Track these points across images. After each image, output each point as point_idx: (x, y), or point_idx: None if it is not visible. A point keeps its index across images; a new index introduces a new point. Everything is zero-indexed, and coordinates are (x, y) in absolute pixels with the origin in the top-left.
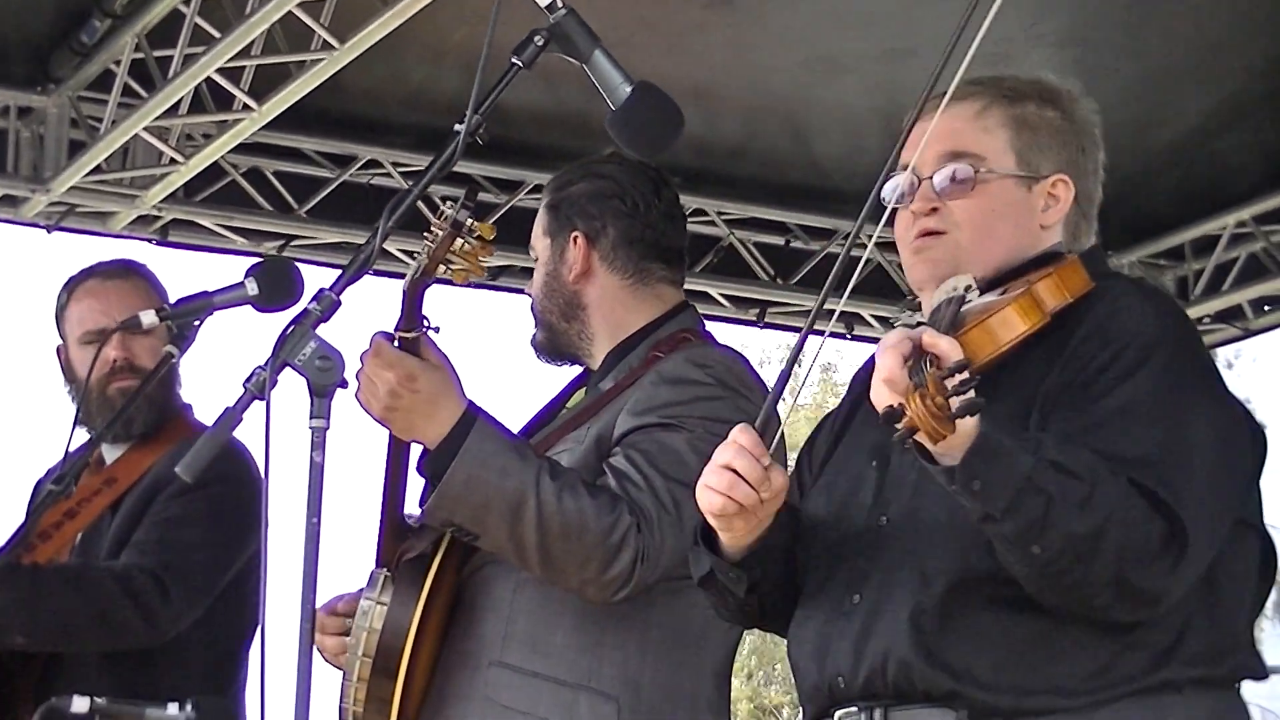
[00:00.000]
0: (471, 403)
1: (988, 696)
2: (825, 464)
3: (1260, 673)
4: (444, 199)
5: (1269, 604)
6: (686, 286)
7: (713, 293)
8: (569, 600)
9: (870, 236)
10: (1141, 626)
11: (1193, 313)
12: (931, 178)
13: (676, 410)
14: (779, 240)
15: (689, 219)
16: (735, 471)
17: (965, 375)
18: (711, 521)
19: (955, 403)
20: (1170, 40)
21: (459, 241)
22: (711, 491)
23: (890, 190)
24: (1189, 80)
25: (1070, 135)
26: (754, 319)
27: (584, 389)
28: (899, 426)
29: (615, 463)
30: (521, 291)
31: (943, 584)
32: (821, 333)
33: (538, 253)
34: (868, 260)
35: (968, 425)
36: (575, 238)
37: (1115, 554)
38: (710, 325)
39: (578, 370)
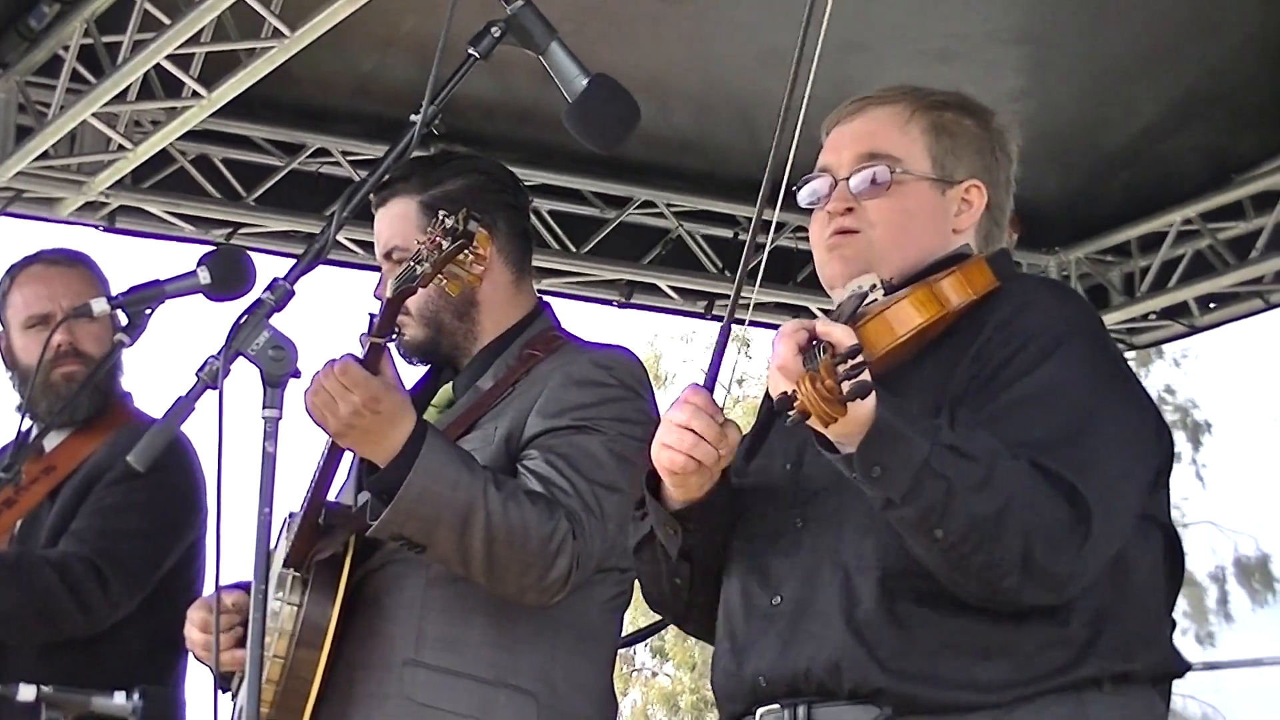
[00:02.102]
0: (420, 417)
1: (912, 692)
2: (747, 465)
3: (1179, 669)
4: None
5: (1219, 598)
6: (637, 278)
7: (661, 285)
8: (480, 598)
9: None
10: (1059, 622)
11: (1138, 309)
12: (849, 179)
13: (588, 413)
14: (727, 233)
15: (638, 210)
16: (694, 431)
17: (857, 360)
18: (667, 480)
19: (846, 386)
20: (1122, 40)
21: (463, 253)
22: (672, 450)
23: (808, 193)
24: (1141, 79)
25: (985, 144)
26: (702, 311)
27: (445, 385)
28: (791, 412)
29: (534, 467)
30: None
31: (864, 582)
32: (741, 322)
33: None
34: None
35: (862, 411)
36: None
37: (1019, 534)
38: (659, 317)
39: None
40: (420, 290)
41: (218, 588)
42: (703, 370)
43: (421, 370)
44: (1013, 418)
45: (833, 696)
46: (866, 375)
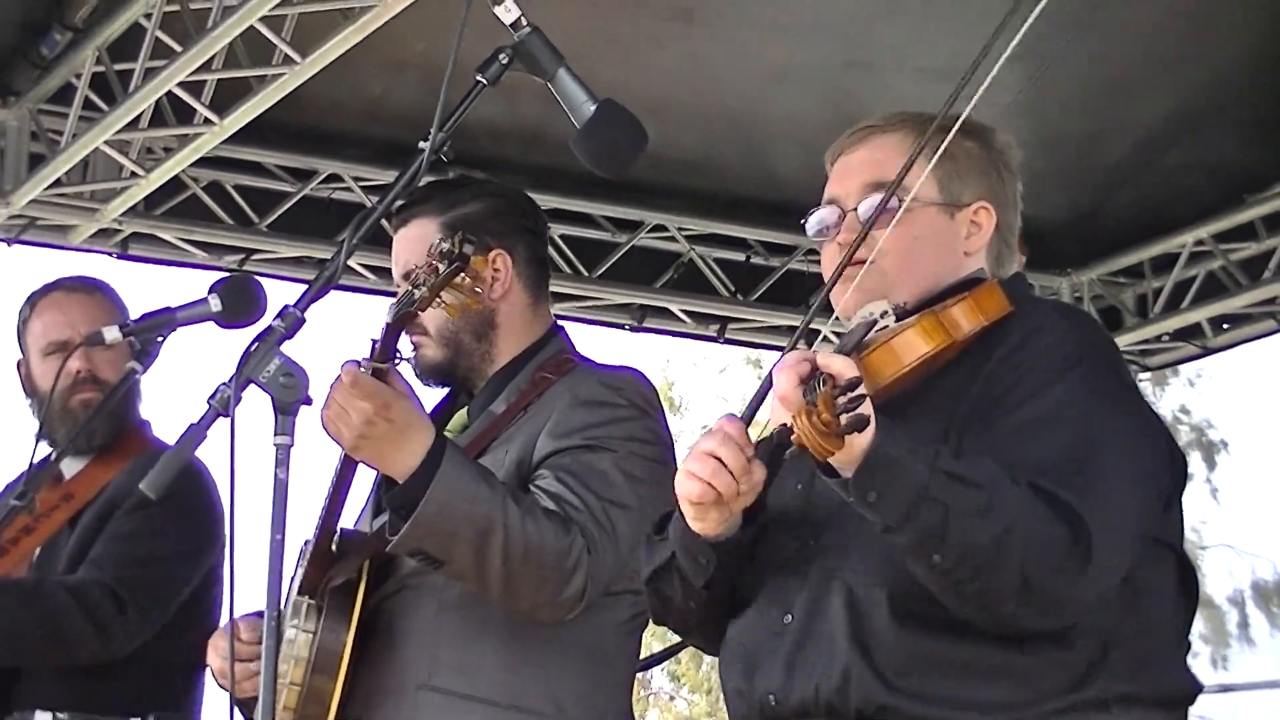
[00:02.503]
0: (439, 431)
1: (917, 711)
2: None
3: (1191, 691)
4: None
5: (1239, 622)
6: (649, 302)
7: (673, 308)
8: (492, 622)
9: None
10: (1064, 645)
11: (1152, 331)
12: (856, 208)
13: (598, 432)
14: (739, 256)
15: (650, 234)
16: (719, 460)
17: (856, 393)
18: (686, 510)
19: (844, 419)
20: (1122, 54)
21: (460, 275)
22: (693, 478)
23: (816, 223)
24: (1141, 93)
25: (989, 164)
26: (714, 334)
27: (460, 410)
28: (790, 442)
29: (546, 485)
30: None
31: (871, 603)
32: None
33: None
34: None
35: (860, 440)
36: (494, 256)
37: (1018, 561)
38: (672, 342)
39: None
40: (437, 312)
41: (231, 614)
42: (722, 398)
43: (437, 393)
44: (1017, 441)
45: (840, 715)
46: (865, 408)
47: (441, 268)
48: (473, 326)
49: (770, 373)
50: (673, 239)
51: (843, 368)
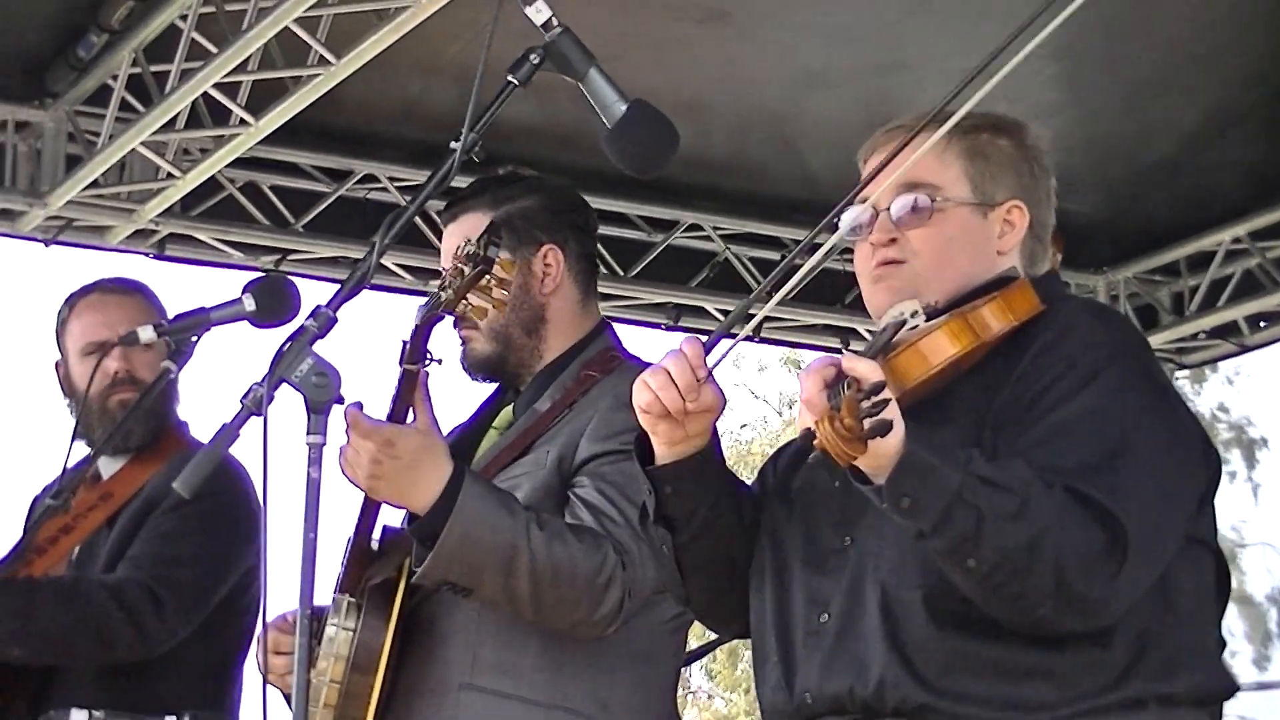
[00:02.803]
0: (457, 461)
1: (954, 711)
2: (790, 483)
3: (1226, 689)
4: (441, 214)
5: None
6: (684, 301)
7: (709, 307)
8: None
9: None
10: (1101, 644)
11: (1188, 329)
12: (889, 209)
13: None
14: (774, 255)
15: (685, 233)
16: (668, 374)
17: (880, 397)
18: (642, 422)
19: (867, 424)
20: (1156, 51)
21: (485, 278)
22: (644, 388)
23: (848, 223)
24: (1177, 91)
25: (1022, 162)
26: (750, 334)
27: (505, 407)
28: (814, 447)
29: (585, 495)
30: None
31: (907, 603)
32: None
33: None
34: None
35: (888, 445)
36: (546, 251)
37: (1052, 564)
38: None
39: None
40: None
41: (264, 613)
42: (752, 391)
43: (483, 387)
44: (1051, 444)
45: (877, 715)
46: (889, 413)
47: (467, 270)
48: (523, 321)
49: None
50: (708, 238)
51: (867, 372)
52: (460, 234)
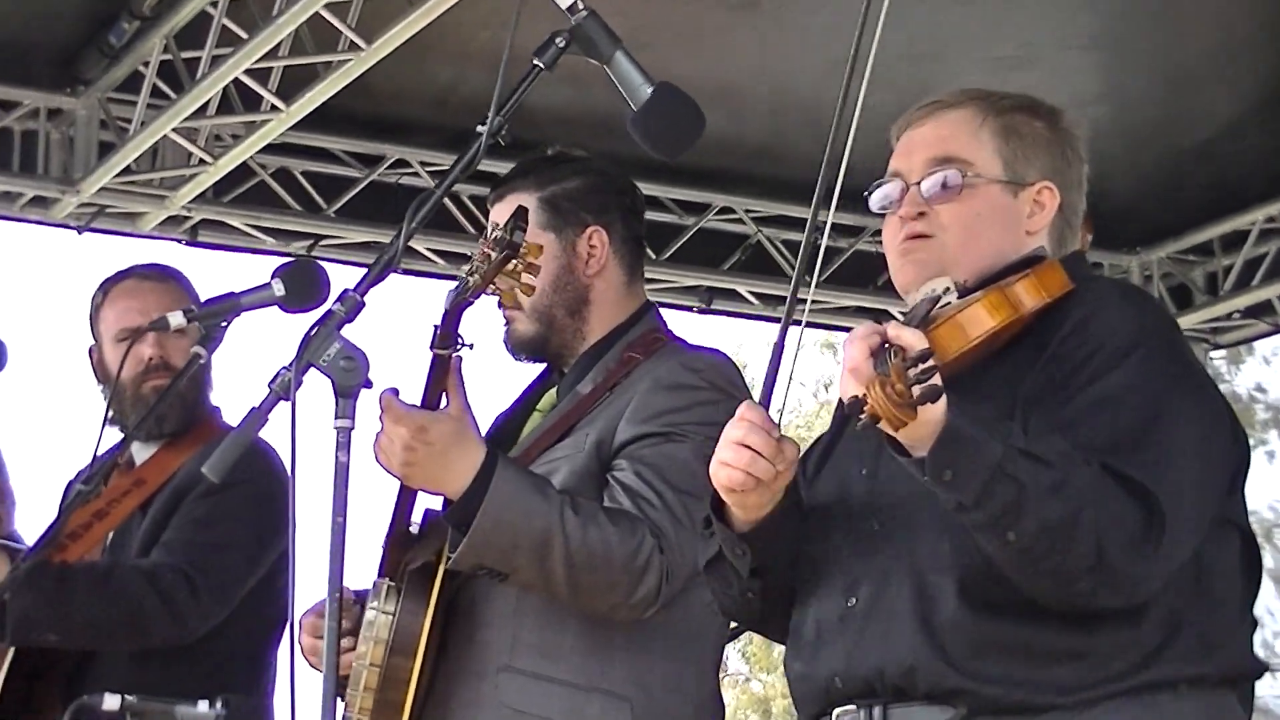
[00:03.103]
0: (490, 446)
1: (986, 693)
2: (819, 472)
3: (1256, 670)
4: (471, 198)
5: None
6: (717, 284)
7: (741, 290)
8: None
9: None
10: (1132, 625)
11: (1222, 309)
12: (920, 183)
13: (676, 418)
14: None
15: (717, 216)
16: (749, 447)
17: (928, 364)
18: (726, 498)
19: (916, 390)
20: (1194, 41)
21: (511, 262)
22: (729, 468)
23: (880, 197)
24: (1213, 80)
25: (1056, 145)
26: (781, 316)
27: (550, 389)
28: (863, 415)
29: (623, 478)
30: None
31: (940, 586)
32: (799, 323)
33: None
34: None
35: (933, 414)
36: (592, 232)
37: (1092, 538)
38: (743, 325)
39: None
40: (536, 288)
41: (292, 596)
42: (799, 381)
43: (525, 369)
44: (1083, 421)
45: (907, 697)
46: (937, 379)
47: (494, 255)
48: (566, 302)
49: (775, 351)
50: (740, 221)
51: (914, 340)
52: (505, 215)
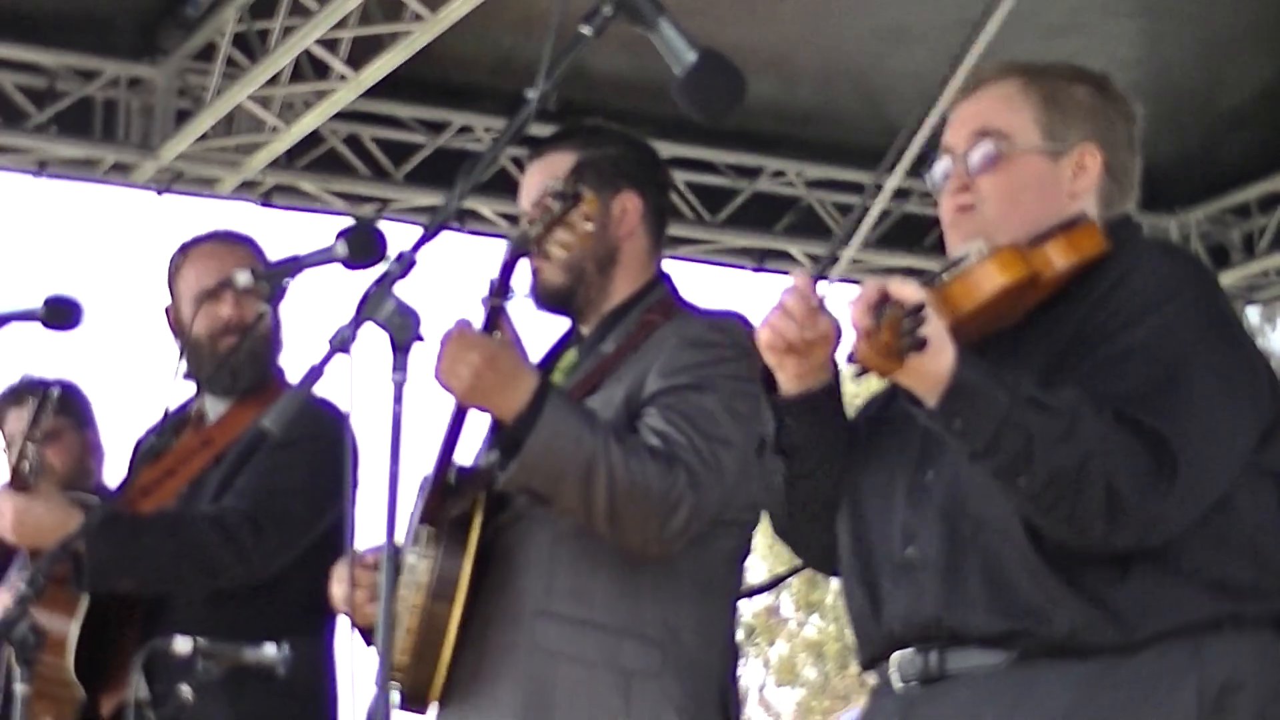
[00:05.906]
0: (543, 376)
1: (1037, 635)
2: (874, 423)
3: None
4: (514, 160)
5: None
6: (769, 245)
7: (793, 251)
8: (606, 551)
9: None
10: (1171, 569)
11: (1258, 267)
12: (965, 157)
13: (704, 371)
14: (855, 200)
15: (769, 179)
16: (784, 309)
17: (918, 315)
18: (768, 362)
19: (904, 341)
20: (1233, 7)
21: (571, 214)
22: (764, 327)
23: (939, 175)
24: (1251, 45)
25: (1098, 108)
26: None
27: (572, 349)
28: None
29: (653, 423)
30: None
31: (991, 534)
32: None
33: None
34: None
35: (935, 365)
36: (625, 196)
37: (1101, 483)
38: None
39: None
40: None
41: (351, 543)
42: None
43: (548, 332)
44: (1106, 370)
45: (963, 641)
46: (926, 330)
47: (555, 207)
48: (597, 257)
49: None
50: (791, 184)
51: (909, 293)
52: (543, 171)
